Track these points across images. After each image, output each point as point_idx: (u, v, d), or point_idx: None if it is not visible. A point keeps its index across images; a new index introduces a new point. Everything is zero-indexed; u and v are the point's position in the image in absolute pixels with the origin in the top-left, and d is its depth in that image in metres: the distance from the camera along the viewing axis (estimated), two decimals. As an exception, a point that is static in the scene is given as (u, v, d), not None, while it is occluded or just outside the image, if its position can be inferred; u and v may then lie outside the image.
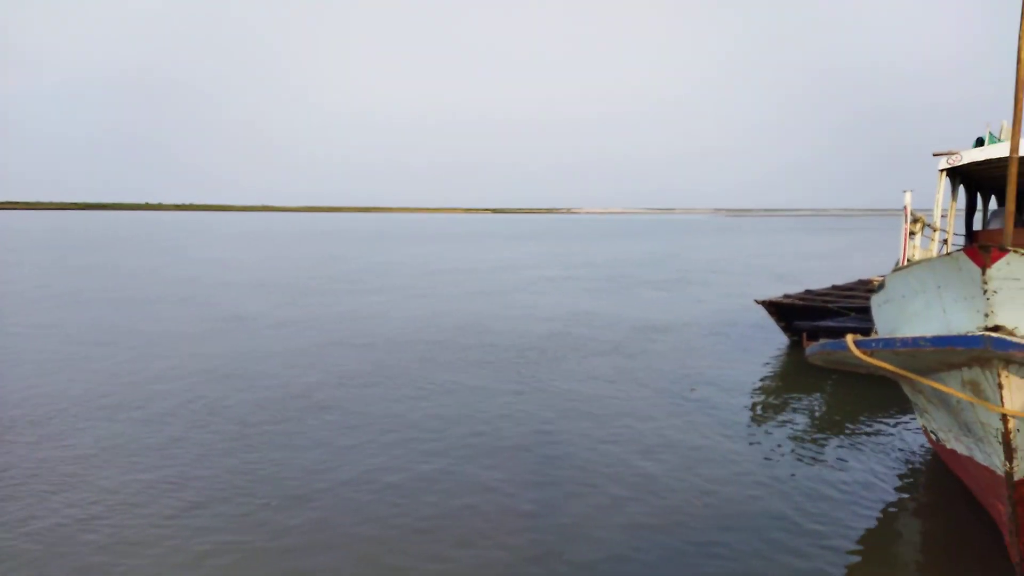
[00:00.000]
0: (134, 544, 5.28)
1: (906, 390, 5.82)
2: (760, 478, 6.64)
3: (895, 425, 8.24)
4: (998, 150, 7.79)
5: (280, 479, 6.52)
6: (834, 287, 15.95)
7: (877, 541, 5.49)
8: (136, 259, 34.19)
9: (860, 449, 7.46)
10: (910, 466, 7.00)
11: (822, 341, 5.42)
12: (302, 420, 8.29)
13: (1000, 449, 4.12)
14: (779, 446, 7.55)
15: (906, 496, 6.35)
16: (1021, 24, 4.48)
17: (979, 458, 4.65)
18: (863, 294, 13.44)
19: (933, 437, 6.08)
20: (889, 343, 4.43)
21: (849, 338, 4.73)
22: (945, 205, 8.58)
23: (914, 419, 8.19)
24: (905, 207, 7.65)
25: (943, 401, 4.76)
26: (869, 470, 6.86)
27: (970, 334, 3.84)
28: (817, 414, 8.91)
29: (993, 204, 11.10)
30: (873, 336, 4.88)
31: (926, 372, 4.51)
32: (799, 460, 7.14)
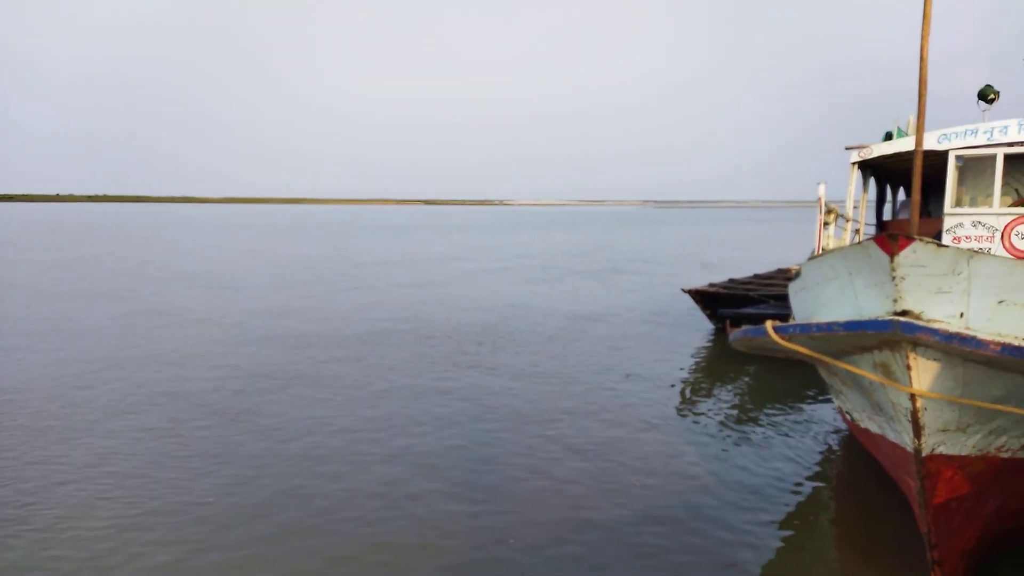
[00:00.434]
0: (66, 542, 5.02)
1: (822, 373, 6.08)
2: (690, 459, 6.86)
3: (813, 406, 8.65)
4: (905, 144, 8.24)
5: (210, 484, 6.32)
6: (755, 276, 16.55)
7: (798, 515, 5.78)
8: (83, 250, 32.29)
9: (781, 429, 7.79)
10: (827, 445, 7.37)
11: (744, 328, 5.60)
12: (224, 425, 8.01)
13: (909, 427, 4.35)
14: (706, 428, 7.80)
15: (824, 473, 6.70)
16: (923, 26, 4.73)
17: (890, 436, 4.90)
18: (782, 282, 14.00)
19: (848, 417, 6.38)
20: (805, 328, 4.62)
21: (768, 324, 4.90)
22: (857, 196, 9.01)
23: (830, 400, 8.60)
24: (819, 198, 8.00)
25: (856, 383, 5.00)
26: (789, 449, 7.19)
27: (880, 319, 4.05)
28: (741, 397, 9.25)
29: (901, 195, 11.73)
30: (791, 322, 5.06)
31: (840, 355, 4.73)
32: (725, 441, 7.40)
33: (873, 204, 11.01)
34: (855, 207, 8.85)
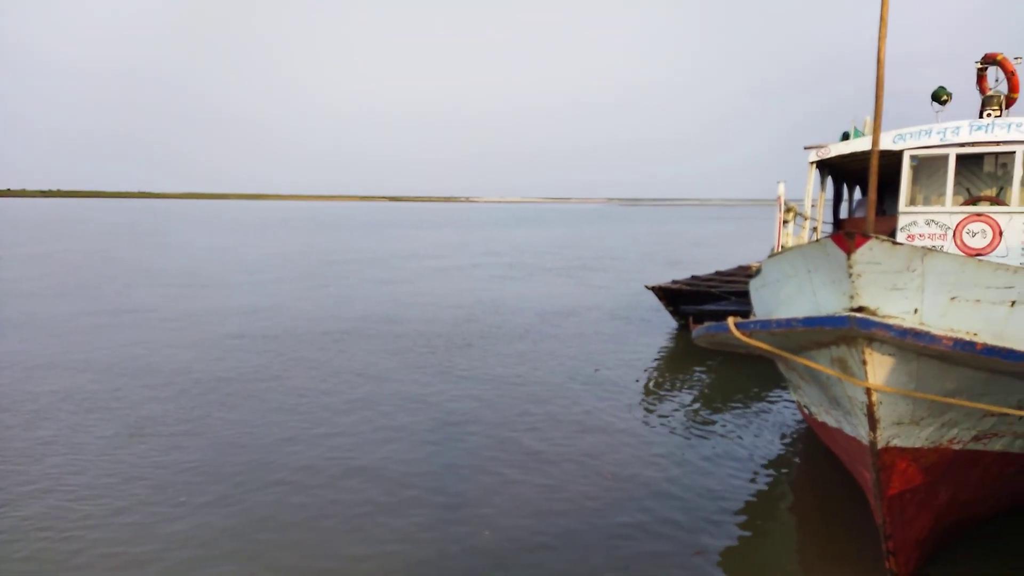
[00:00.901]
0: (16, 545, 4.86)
1: (781, 368, 6.20)
2: (653, 453, 6.95)
3: (772, 401, 8.81)
4: (861, 144, 8.42)
5: (180, 479, 6.18)
6: (717, 273, 16.79)
7: (758, 506, 5.90)
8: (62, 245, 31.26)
9: (741, 424, 7.93)
10: (786, 438, 7.52)
11: (706, 324, 5.68)
12: (199, 419, 7.86)
13: (865, 420, 4.46)
14: (670, 423, 7.89)
15: (782, 465, 6.84)
16: (880, 30, 4.84)
17: (847, 429, 5.02)
18: (743, 279, 14.23)
19: (806, 411, 6.52)
20: (765, 324, 4.70)
21: (730, 321, 4.98)
22: (815, 195, 9.19)
23: (789, 395, 8.76)
24: (779, 197, 8.14)
25: (814, 377, 5.10)
26: (750, 442, 7.33)
27: (837, 315, 4.14)
28: (703, 392, 9.38)
29: (858, 194, 12.00)
30: (752, 318, 5.14)
31: (799, 351, 4.82)
32: (687, 435, 7.50)
33: (831, 203, 11.24)
34: (813, 205, 9.03)
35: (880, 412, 4.35)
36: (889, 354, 4.17)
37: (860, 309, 4.11)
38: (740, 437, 7.50)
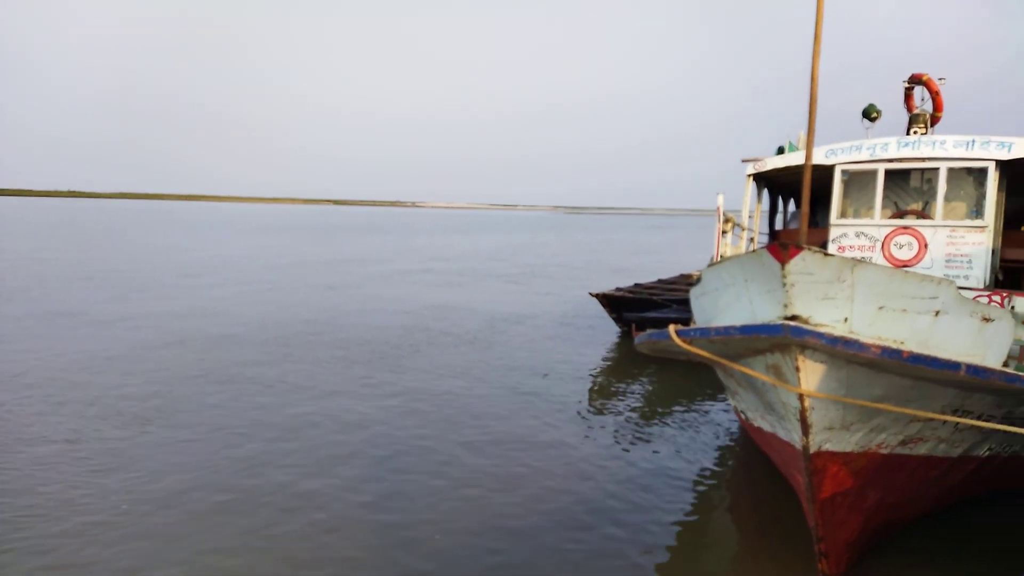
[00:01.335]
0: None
1: (719, 374, 6.33)
2: (597, 457, 7.00)
3: (711, 407, 9.00)
4: (795, 158, 8.71)
5: (118, 497, 5.90)
6: (660, 281, 17.10)
7: (696, 510, 6.01)
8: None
9: (681, 429, 8.07)
10: (724, 443, 7.69)
11: (648, 331, 5.76)
12: (128, 435, 7.53)
13: (798, 425, 4.59)
14: (613, 429, 7.97)
15: (720, 469, 6.99)
16: (814, 47, 5.01)
17: (781, 434, 5.15)
18: (684, 287, 14.51)
19: (743, 416, 6.67)
20: (705, 332, 4.79)
21: (671, 328, 5.06)
22: (752, 207, 9.45)
23: (727, 401, 8.97)
24: (718, 208, 8.34)
25: (750, 384, 5.23)
26: (689, 447, 7.46)
27: (771, 323, 4.24)
28: (645, 398, 9.51)
29: (792, 206, 12.39)
30: (692, 326, 5.24)
31: (736, 358, 4.93)
32: (629, 441, 7.59)
33: (767, 214, 11.59)
34: (750, 217, 9.28)
35: (812, 417, 4.48)
36: (821, 361, 4.30)
37: (794, 318, 4.22)
38: (680, 442, 7.63)
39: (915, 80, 8.72)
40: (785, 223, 11.58)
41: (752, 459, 7.12)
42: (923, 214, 8.02)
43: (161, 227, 58.21)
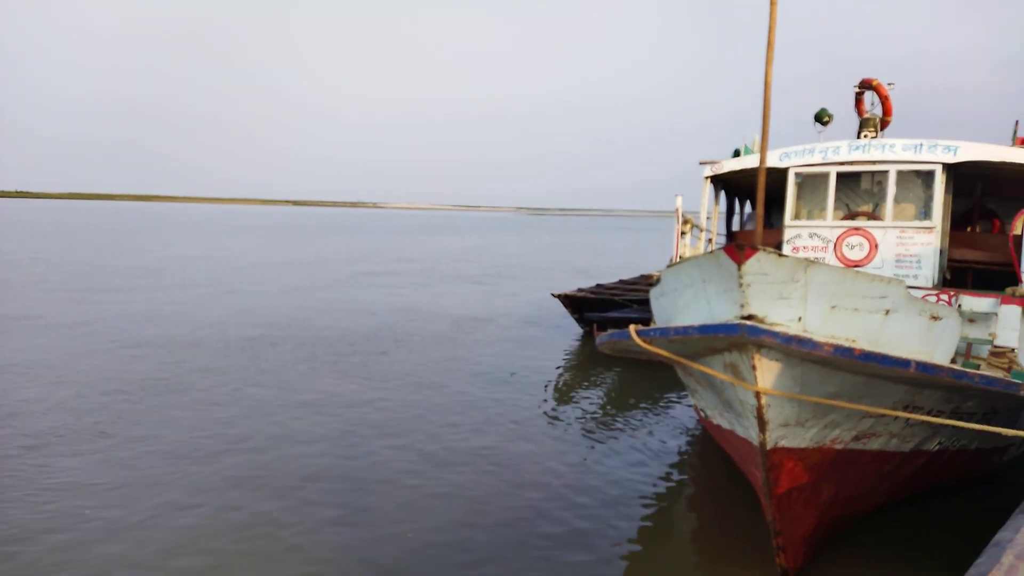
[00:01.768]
0: None
1: (680, 373, 6.42)
2: (561, 456, 7.04)
3: (672, 405, 9.13)
4: (751, 161, 8.88)
5: (60, 501, 5.71)
6: (621, 281, 17.26)
7: (656, 506, 6.09)
8: None
9: (643, 426, 8.17)
10: (684, 440, 7.81)
11: (610, 332, 5.81)
12: (84, 435, 7.31)
13: (755, 423, 4.68)
14: (575, 429, 8.03)
15: (680, 466, 7.10)
16: (767, 52, 5.12)
17: (739, 431, 5.25)
18: (645, 287, 14.67)
19: (702, 414, 6.78)
20: (664, 332, 4.86)
21: (632, 329, 5.12)
22: (709, 208, 9.61)
23: (687, 399, 9.10)
24: (677, 209, 8.46)
25: (709, 382, 5.31)
26: (650, 445, 7.56)
27: (729, 322, 4.33)
28: (607, 397, 9.60)
29: (748, 208, 12.63)
30: (652, 326, 5.30)
31: (695, 357, 5.01)
32: (590, 440, 7.66)
33: (724, 216, 11.78)
34: (708, 218, 9.43)
35: (768, 414, 4.57)
36: (776, 359, 4.39)
37: (750, 317, 4.30)
38: (642, 441, 7.71)
39: (865, 85, 8.98)
40: (742, 224, 11.79)
41: (712, 457, 7.24)
42: (874, 215, 8.25)
43: (97, 230, 56.68)
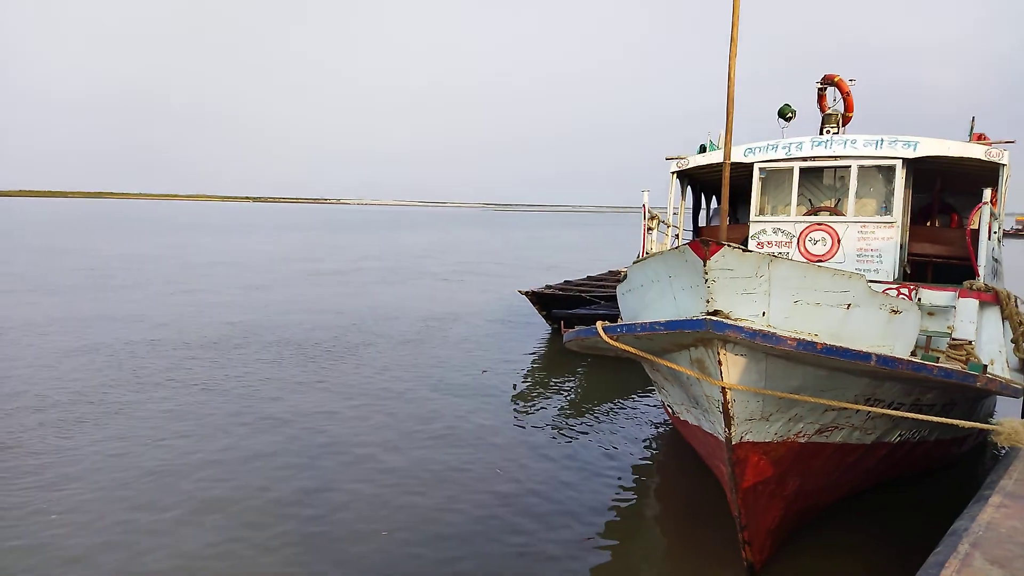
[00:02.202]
0: None
1: (647, 369, 6.42)
2: (526, 455, 6.99)
3: (639, 401, 9.16)
4: (716, 156, 8.93)
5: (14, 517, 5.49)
6: (588, 277, 17.27)
7: (625, 505, 6.08)
8: None
9: (610, 423, 8.18)
10: (651, 436, 7.83)
11: (577, 328, 5.78)
12: (28, 444, 7.05)
13: (721, 417, 4.69)
14: (544, 426, 7.99)
15: (649, 463, 7.11)
16: (730, 47, 5.12)
17: (705, 426, 5.26)
18: (613, 283, 14.70)
19: (670, 410, 6.80)
20: (631, 328, 4.84)
21: (599, 325, 5.09)
22: (676, 204, 9.63)
23: (655, 395, 9.13)
24: (643, 205, 8.46)
25: (676, 378, 5.32)
26: (618, 441, 7.57)
27: (695, 318, 4.32)
28: (575, 395, 9.59)
29: (714, 203, 12.72)
30: (619, 322, 5.28)
31: (661, 353, 5.00)
32: (559, 437, 7.63)
33: (691, 211, 11.85)
34: (675, 213, 9.46)
35: (734, 409, 4.58)
36: (741, 354, 4.40)
37: (715, 312, 4.31)
38: (610, 437, 7.71)
39: (827, 81, 9.08)
40: (708, 220, 11.86)
41: (680, 452, 7.27)
42: (836, 211, 8.35)
43: (36, 226, 55.18)
